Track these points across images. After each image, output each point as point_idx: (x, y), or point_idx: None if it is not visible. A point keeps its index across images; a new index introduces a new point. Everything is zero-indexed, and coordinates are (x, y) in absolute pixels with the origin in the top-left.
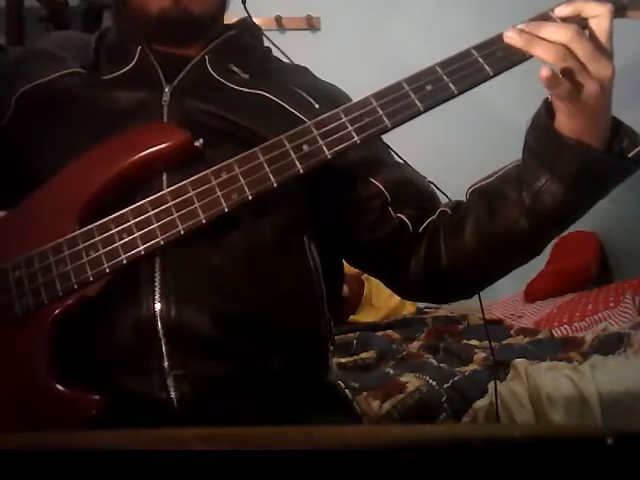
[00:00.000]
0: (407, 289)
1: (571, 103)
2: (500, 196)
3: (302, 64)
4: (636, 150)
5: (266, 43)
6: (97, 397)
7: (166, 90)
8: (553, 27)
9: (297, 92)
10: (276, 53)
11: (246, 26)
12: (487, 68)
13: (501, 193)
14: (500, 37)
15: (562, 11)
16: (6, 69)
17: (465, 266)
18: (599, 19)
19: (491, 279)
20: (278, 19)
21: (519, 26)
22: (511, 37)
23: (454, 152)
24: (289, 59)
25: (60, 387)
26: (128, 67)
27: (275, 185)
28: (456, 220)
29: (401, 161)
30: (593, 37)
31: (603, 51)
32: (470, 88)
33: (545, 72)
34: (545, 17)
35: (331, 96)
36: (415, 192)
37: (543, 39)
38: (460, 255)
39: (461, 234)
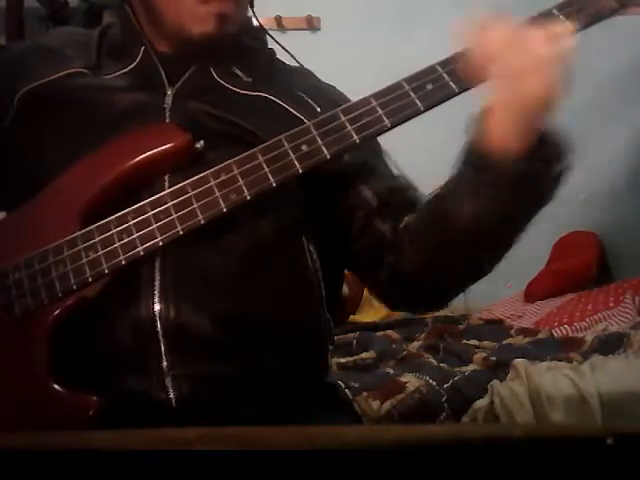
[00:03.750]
0: (384, 299)
1: (507, 89)
2: (439, 203)
3: (302, 64)
4: (558, 166)
5: (272, 43)
6: (95, 398)
7: (169, 93)
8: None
9: (300, 95)
10: (280, 53)
11: (250, 28)
12: None
13: (440, 201)
14: None
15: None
16: (8, 67)
17: (422, 273)
18: (562, 39)
19: (451, 287)
20: (278, 19)
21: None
22: (456, 25)
23: (453, 153)
24: (295, 59)
25: (58, 388)
26: (130, 67)
27: (274, 185)
28: (413, 228)
29: (395, 170)
30: (557, 54)
31: (557, 64)
32: (471, 87)
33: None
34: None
35: (334, 100)
36: (402, 203)
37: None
38: (416, 262)
39: (414, 243)
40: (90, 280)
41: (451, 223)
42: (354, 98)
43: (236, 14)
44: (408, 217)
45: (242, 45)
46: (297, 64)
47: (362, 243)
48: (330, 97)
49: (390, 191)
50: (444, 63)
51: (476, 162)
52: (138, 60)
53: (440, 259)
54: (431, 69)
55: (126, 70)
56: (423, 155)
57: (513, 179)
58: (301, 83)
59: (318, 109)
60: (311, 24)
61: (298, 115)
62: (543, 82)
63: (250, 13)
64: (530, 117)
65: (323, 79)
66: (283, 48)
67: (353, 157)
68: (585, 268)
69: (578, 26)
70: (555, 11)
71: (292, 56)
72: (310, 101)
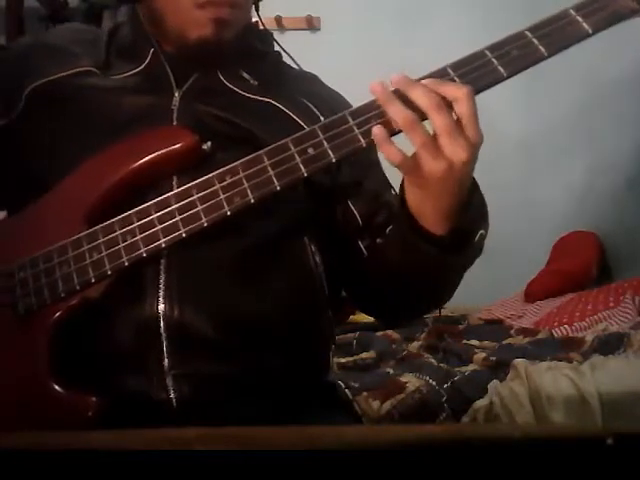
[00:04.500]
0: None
1: (410, 174)
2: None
3: (302, 64)
4: (475, 241)
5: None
6: (94, 399)
7: (176, 95)
8: (420, 90)
9: (304, 102)
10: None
11: (256, 31)
12: (501, 69)
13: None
14: (513, 37)
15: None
16: (14, 65)
17: (381, 293)
18: (458, 103)
19: (407, 310)
20: (278, 19)
21: (393, 77)
22: (375, 89)
23: None
24: (294, 60)
25: (58, 388)
26: (139, 68)
27: (278, 189)
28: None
29: (384, 184)
30: (457, 119)
31: (462, 133)
32: (483, 90)
33: (376, 129)
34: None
35: (337, 108)
36: (381, 225)
37: (407, 99)
38: (374, 279)
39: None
40: (93, 281)
41: (387, 265)
42: (355, 99)
43: (234, 19)
44: (380, 239)
45: (249, 48)
46: (297, 65)
47: (348, 257)
48: (334, 107)
49: (372, 214)
50: (454, 65)
51: (402, 222)
52: (147, 62)
53: (390, 287)
54: (442, 71)
55: (135, 71)
56: None
57: (434, 257)
58: (306, 90)
59: (322, 118)
60: (311, 24)
61: (301, 123)
62: (470, 148)
63: (256, 16)
64: (454, 187)
65: (323, 79)
66: (283, 49)
67: (345, 175)
68: (585, 268)
69: (597, 27)
70: (572, 11)
71: (291, 57)
72: (314, 109)
